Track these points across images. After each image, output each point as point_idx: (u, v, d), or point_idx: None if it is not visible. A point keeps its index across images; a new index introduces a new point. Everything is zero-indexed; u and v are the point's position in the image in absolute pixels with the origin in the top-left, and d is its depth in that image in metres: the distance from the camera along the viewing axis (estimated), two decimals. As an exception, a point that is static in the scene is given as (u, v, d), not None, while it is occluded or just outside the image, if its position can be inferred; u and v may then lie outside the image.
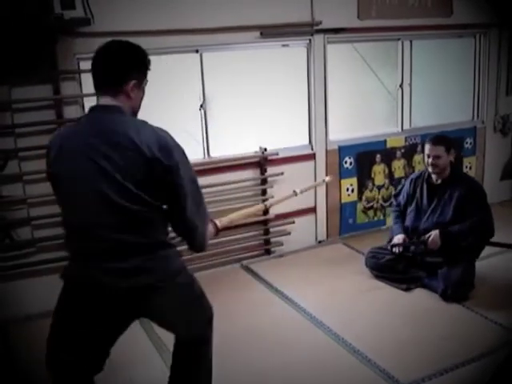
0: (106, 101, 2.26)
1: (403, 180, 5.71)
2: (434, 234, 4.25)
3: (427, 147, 4.36)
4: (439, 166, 4.31)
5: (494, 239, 4.38)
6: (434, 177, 4.43)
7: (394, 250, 4.42)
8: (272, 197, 5.04)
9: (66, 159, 2.23)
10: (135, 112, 2.36)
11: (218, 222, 2.75)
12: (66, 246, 2.40)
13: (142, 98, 2.38)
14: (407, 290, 4.35)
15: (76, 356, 2.35)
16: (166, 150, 2.19)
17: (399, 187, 4.89)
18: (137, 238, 2.23)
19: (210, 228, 2.63)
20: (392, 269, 4.46)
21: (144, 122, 2.26)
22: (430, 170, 4.39)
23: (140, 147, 2.13)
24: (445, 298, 4.14)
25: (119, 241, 2.20)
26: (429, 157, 4.33)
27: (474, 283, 4.24)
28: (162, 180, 2.19)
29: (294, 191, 3.54)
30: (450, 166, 4.40)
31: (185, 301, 2.46)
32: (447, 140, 4.39)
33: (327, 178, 4.49)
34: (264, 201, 5.05)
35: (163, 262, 2.32)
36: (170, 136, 2.26)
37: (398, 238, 4.44)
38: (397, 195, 4.81)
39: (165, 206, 2.31)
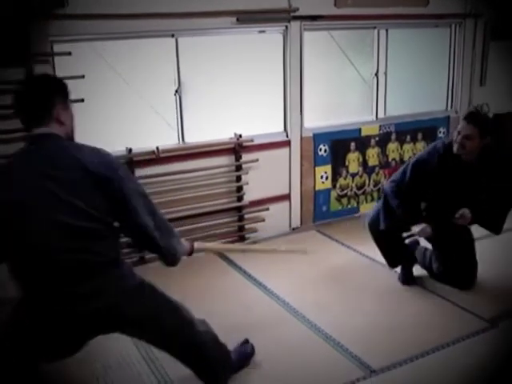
0: (42, 130, 2.32)
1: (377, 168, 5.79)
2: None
3: (461, 123, 3.77)
4: (466, 148, 3.73)
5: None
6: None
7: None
8: (247, 183, 5.07)
9: (14, 188, 2.23)
10: (71, 137, 2.43)
11: (195, 244, 2.86)
12: (14, 278, 2.34)
13: (72, 121, 2.45)
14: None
15: (26, 353, 2.36)
16: (111, 168, 2.31)
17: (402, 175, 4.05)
18: (91, 256, 2.26)
19: (186, 243, 2.75)
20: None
21: (84, 145, 2.36)
22: (454, 148, 3.78)
23: (87, 167, 2.23)
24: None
25: (75, 261, 2.22)
26: (459, 134, 3.74)
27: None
28: (111, 196, 2.29)
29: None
30: (481, 149, 3.80)
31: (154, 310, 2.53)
32: (484, 121, 3.74)
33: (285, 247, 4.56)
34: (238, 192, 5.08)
35: (120, 281, 2.38)
36: (111, 155, 2.41)
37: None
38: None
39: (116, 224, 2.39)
